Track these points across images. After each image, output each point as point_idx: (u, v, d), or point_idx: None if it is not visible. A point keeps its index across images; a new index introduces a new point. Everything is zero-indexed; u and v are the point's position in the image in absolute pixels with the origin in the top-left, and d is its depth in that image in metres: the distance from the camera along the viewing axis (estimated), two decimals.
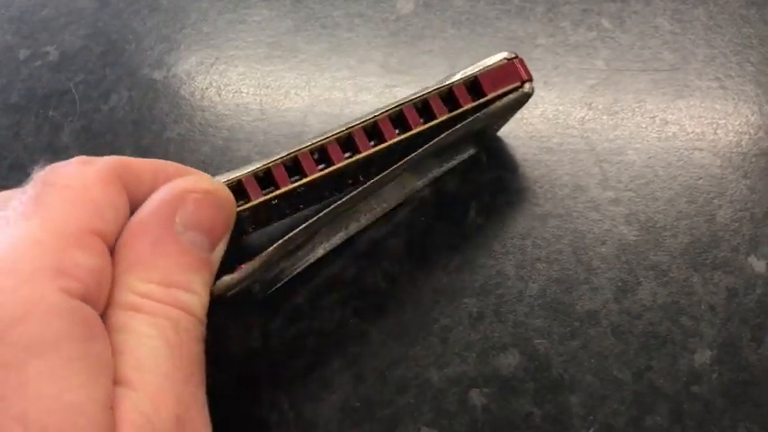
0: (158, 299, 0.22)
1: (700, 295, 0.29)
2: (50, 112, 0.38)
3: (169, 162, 0.26)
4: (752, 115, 0.34)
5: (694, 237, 0.31)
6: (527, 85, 0.29)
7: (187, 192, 0.24)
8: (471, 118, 0.29)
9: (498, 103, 0.29)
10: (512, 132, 0.34)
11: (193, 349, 0.22)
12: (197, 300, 0.23)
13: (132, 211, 0.24)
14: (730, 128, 0.34)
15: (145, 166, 0.25)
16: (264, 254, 0.26)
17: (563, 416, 0.27)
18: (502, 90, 0.29)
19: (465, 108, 0.29)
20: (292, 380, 0.29)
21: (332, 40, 0.39)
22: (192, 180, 0.25)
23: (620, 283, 0.30)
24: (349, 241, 0.32)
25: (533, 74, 0.35)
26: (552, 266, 0.30)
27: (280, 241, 0.26)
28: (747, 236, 0.30)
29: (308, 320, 0.30)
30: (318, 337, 0.30)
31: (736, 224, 0.31)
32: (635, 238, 0.31)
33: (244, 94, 0.37)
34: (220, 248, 0.25)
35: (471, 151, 0.33)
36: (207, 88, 0.38)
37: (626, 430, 0.27)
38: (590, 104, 0.35)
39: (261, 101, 0.37)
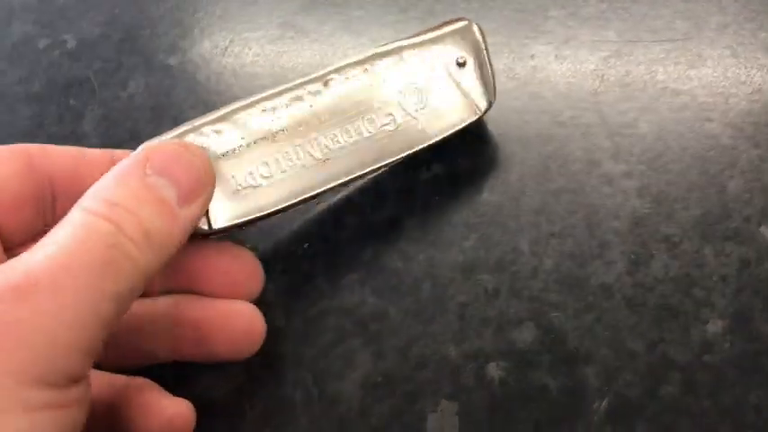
0: (99, 212, 0.23)
1: (712, 266, 0.30)
2: (71, 101, 0.38)
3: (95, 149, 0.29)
4: (764, 83, 0.34)
5: (705, 208, 0.31)
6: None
7: (161, 144, 0.26)
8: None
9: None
10: (524, 107, 0.34)
11: (119, 267, 0.22)
12: (143, 227, 0.23)
13: (52, 195, 0.27)
14: (742, 96, 0.33)
15: (63, 150, 0.28)
16: None
17: (578, 387, 0.28)
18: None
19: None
20: (315, 358, 0.30)
21: (343, 18, 0.39)
22: (167, 140, 0.27)
23: (632, 257, 0.30)
24: (366, 223, 0.32)
25: (545, 47, 0.35)
26: (566, 241, 0.31)
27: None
28: (759, 206, 0.31)
29: (328, 300, 0.31)
30: (339, 315, 0.31)
31: (748, 195, 0.31)
32: (647, 210, 0.31)
33: (259, 76, 0.38)
34: (194, 209, 0.25)
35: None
36: (222, 72, 0.38)
37: (640, 401, 0.27)
38: (602, 77, 0.35)
39: (275, 82, 0.37)
